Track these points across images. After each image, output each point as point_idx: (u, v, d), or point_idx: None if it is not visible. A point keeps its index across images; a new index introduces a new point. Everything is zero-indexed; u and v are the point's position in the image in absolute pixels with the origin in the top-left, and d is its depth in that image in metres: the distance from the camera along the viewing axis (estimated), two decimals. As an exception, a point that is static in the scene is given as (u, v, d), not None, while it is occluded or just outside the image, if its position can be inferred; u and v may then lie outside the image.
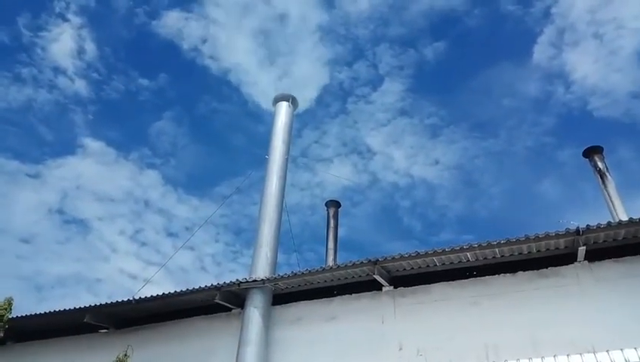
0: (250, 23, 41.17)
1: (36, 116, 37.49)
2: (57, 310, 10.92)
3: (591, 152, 14.31)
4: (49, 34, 37.50)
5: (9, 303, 9.72)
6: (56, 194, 37.92)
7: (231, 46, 43.00)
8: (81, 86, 38.36)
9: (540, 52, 37.40)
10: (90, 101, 38.70)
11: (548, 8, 37.63)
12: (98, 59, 39.06)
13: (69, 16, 38.35)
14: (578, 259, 8.18)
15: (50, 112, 38.25)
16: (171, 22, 40.91)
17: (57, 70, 37.85)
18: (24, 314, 11.05)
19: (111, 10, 40.37)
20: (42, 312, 11.08)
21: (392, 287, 9.34)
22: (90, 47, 39.09)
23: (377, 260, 8.89)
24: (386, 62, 41.82)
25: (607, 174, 13.68)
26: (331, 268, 9.51)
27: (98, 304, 10.67)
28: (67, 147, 41.44)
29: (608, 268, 8.06)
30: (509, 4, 38.75)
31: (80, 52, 38.21)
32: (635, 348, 7.11)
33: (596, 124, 36.13)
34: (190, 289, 10.09)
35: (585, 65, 37.02)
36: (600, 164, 13.92)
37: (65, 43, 37.46)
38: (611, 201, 13.10)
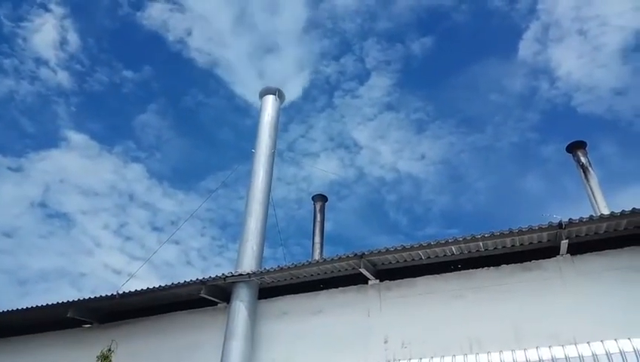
0: (236, 16, 40.84)
1: (18, 108, 36.95)
2: (40, 305, 10.79)
3: (574, 147, 14.50)
4: (31, 24, 36.94)
5: (-10, 298, 9.59)
6: (39, 187, 37.47)
7: (217, 39, 42.65)
8: (63, 77, 37.89)
9: (526, 48, 37.82)
10: (73, 93, 38.26)
11: (533, 4, 38.03)
12: (81, 50, 38.57)
13: (51, 6, 37.83)
14: (561, 253, 8.29)
15: (32, 104, 37.72)
16: (156, 13, 40.53)
17: (39, 61, 37.33)
18: (6, 309, 10.93)
19: (94, 0, 39.79)
20: (25, 307, 10.94)
21: (377, 281, 9.38)
22: (73, 38, 38.62)
23: (363, 254, 8.92)
24: (373, 56, 41.93)
25: (589, 169, 13.87)
26: (317, 261, 9.53)
27: (82, 298, 10.56)
28: (50, 140, 40.88)
29: (590, 261, 8.18)
30: (496, -1, 39.00)
31: (62, 43, 37.73)
32: (616, 340, 7.23)
33: (580, 119, 36.68)
34: (175, 283, 10.03)
35: (569, 61, 37.47)
36: (583, 159, 14.11)
37: (47, 33, 36.96)
38: (593, 196, 13.30)
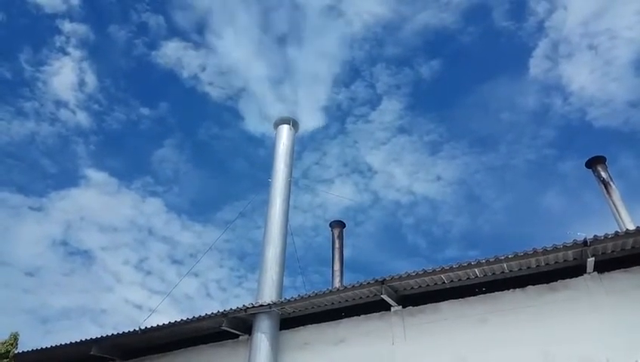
0: (247, 48, 41.73)
1: (39, 149, 37.76)
2: (63, 343, 10.80)
3: (594, 162, 14.27)
4: (50, 68, 38.04)
5: (15, 338, 9.65)
6: (60, 226, 37.92)
7: (229, 72, 43.52)
8: (82, 118, 38.72)
9: (536, 65, 37.71)
10: (92, 132, 39.02)
11: (541, 22, 38.10)
12: (99, 90, 39.50)
13: (70, 49, 38.96)
14: (587, 271, 8.09)
15: (52, 145, 38.51)
16: (170, 51, 41.46)
17: (59, 103, 38.25)
18: (30, 349, 10.93)
19: (110, 42, 41.03)
20: (48, 346, 10.95)
21: (400, 307, 9.22)
22: (91, 79, 39.60)
23: (384, 280, 8.80)
24: (383, 81, 42.19)
25: (611, 184, 13.61)
26: (338, 289, 9.41)
27: (104, 335, 10.55)
28: (70, 179, 41.53)
29: (618, 279, 7.96)
30: (502, 19, 39.27)
31: (81, 84, 38.69)
32: (652, 360, 6.96)
33: (596, 134, 36.20)
34: (196, 316, 9.99)
35: (581, 77, 37.21)
36: (603, 174, 13.86)
37: (66, 76, 37.98)
38: (617, 211, 13.00)
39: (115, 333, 10.54)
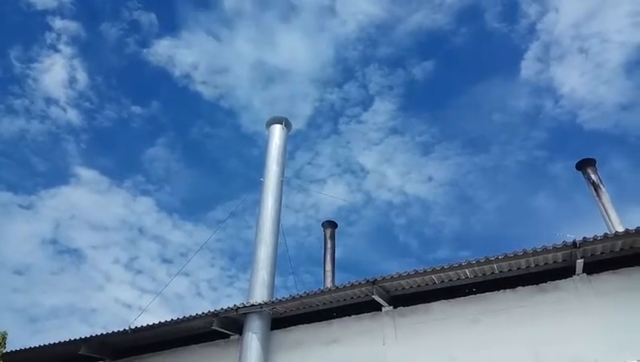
0: (240, 47, 41.62)
1: (29, 147, 37.50)
2: (52, 342, 10.71)
3: (584, 165, 14.39)
4: (41, 65, 37.81)
5: (3, 337, 9.58)
6: (50, 224, 37.67)
7: (222, 71, 43.41)
8: (73, 115, 38.53)
9: (527, 67, 38.06)
10: (83, 130, 38.84)
11: (533, 25, 38.46)
12: (90, 88, 39.33)
13: (60, 47, 38.77)
14: (577, 272, 8.15)
15: (42, 143, 38.27)
16: (162, 50, 41.39)
17: (49, 100, 38.01)
18: (19, 348, 10.84)
19: (102, 39, 40.86)
20: (37, 345, 10.86)
21: (391, 307, 9.25)
22: (82, 77, 39.41)
23: (376, 280, 8.82)
24: (375, 82, 42.36)
25: (601, 186, 13.72)
26: (330, 289, 9.41)
27: (93, 335, 10.48)
28: (60, 177, 41.29)
29: (607, 280, 8.03)
30: (495, 21, 39.59)
31: (72, 82, 38.50)
32: (638, 361, 7.02)
33: (587, 136, 36.59)
34: (187, 316, 9.95)
35: (572, 79, 37.60)
36: (593, 176, 13.97)
37: (56, 73, 37.79)
38: (606, 213, 13.12)
39: (105, 333, 10.47)
